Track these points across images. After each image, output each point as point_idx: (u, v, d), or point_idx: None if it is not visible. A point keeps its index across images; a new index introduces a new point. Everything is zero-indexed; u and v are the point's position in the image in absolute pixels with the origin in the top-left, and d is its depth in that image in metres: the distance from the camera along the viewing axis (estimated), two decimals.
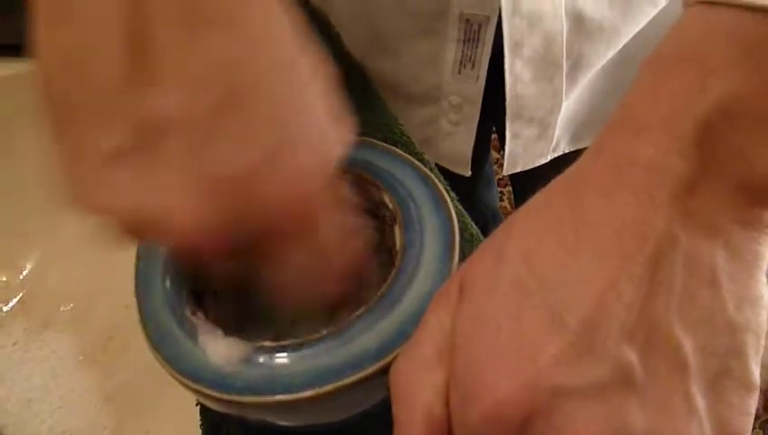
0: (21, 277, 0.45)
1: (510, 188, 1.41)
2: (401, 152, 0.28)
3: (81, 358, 0.42)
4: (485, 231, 0.32)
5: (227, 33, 0.16)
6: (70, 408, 0.39)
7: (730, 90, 0.16)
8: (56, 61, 0.17)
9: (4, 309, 0.44)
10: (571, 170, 0.20)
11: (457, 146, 0.50)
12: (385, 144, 0.29)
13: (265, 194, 0.18)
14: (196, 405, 0.30)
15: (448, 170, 0.53)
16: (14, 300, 0.44)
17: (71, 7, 0.16)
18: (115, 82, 0.16)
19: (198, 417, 0.30)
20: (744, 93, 0.16)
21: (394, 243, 0.26)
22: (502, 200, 1.38)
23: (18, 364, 0.41)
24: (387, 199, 0.27)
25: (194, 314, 0.24)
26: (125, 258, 0.28)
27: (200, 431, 0.30)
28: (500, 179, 1.35)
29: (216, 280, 0.27)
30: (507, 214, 1.33)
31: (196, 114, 0.16)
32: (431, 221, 0.25)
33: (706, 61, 0.17)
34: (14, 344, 0.42)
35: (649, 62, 0.19)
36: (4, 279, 0.44)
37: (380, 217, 0.28)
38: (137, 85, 0.16)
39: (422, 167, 0.27)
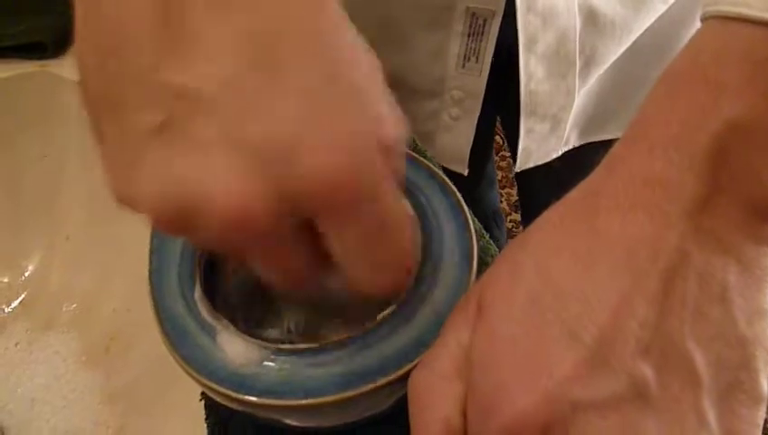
0: (23, 278, 0.44)
1: (508, 190, 1.42)
2: (419, 157, 0.28)
3: (83, 358, 0.42)
4: (487, 231, 0.33)
5: (259, 4, 0.15)
6: (73, 408, 0.39)
7: (742, 109, 0.17)
8: (92, 50, 0.16)
9: (7, 310, 0.43)
10: (584, 185, 0.20)
11: (456, 141, 0.50)
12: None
13: (311, 163, 0.15)
14: (200, 400, 0.30)
15: (449, 169, 0.53)
16: (17, 301, 0.44)
17: None
18: (147, 59, 0.15)
19: (202, 416, 0.30)
20: (756, 113, 0.16)
21: None
22: (500, 202, 1.39)
23: (21, 365, 0.41)
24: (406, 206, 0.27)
25: (211, 313, 0.24)
26: (127, 258, 0.27)
27: (204, 430, 0.29)
28: (497, 181, 1.36)
29: (232, 273, 0.26)
30: (505, 215, 1.33)
31: (229, 85, 0.15)
32: (449, 229, 0.25)
33: (720, 79, 0.17)
34: (17, 345, 0.42)
35: (664, 78, 0.19)
36: (6, 280, 0.44)
37: None
38: (169, 61, 0.15)
39: (439, 172, 0.27)
